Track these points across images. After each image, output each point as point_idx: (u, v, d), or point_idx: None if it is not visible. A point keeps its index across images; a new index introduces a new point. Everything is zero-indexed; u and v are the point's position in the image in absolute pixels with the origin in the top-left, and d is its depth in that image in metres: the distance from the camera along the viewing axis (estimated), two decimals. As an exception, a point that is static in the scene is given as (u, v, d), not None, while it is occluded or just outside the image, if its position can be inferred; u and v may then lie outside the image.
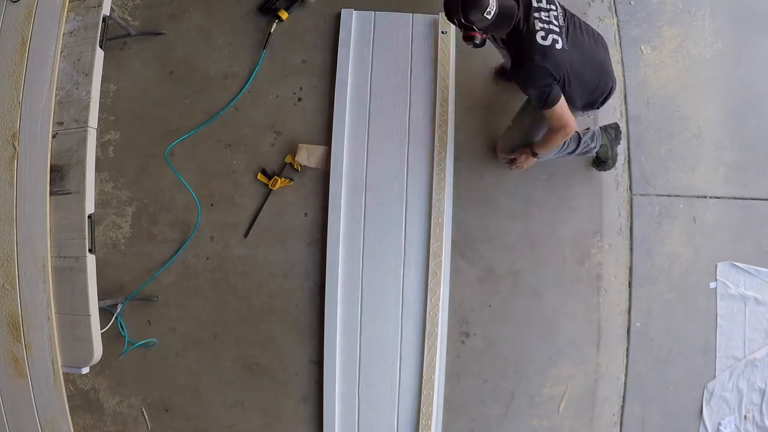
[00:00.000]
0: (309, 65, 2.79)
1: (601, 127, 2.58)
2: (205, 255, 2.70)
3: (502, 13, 1.99)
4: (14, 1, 2.22)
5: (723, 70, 2.80)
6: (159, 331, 2.68)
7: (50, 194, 2.10)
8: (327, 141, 2.71)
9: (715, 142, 2.76)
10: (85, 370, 2.12)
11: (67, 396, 2.10)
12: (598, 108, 2.33)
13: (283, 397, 2.65)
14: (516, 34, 2.08)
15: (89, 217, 2.12)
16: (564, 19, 2.11)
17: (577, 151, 2.49)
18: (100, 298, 2.15)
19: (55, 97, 2.15)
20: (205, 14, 2.84)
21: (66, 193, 2.12)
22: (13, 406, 2.12)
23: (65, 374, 2.09)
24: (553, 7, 2.10)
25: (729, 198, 2.73)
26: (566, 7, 2.21)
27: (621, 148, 2.66)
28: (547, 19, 2.06)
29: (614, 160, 2.63)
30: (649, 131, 2.75)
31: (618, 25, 2.82)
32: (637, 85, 2.78)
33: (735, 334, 2.66)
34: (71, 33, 2.22)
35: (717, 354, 2.65)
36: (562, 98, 2.11)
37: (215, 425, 2.66)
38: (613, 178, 2.72)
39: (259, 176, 2.71)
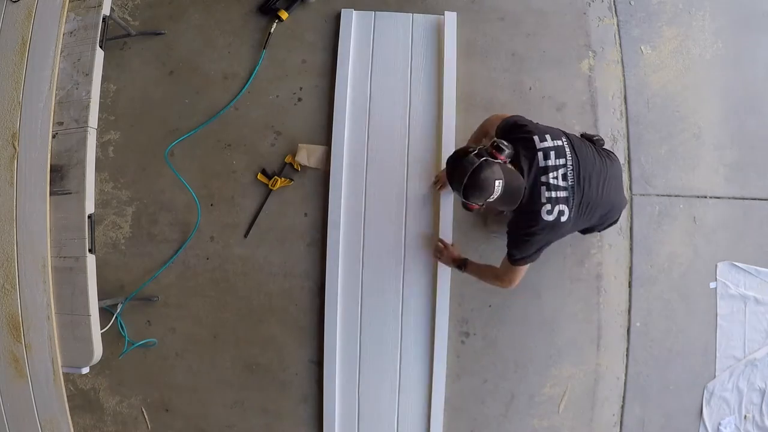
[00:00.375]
0: (309, 65, 2.79)
1: None
2: (205, 255, 2.70)
3: (507, 193, 1.87)
4: (14, 1, 2.22)
5: (723, 70, 2.80)
6: (159, 331, 2.68)
7: (50, 194, 2.11)
8: (327, 141, 2.71)
9: (715, 142, 2.76)
10: (85, 370, 2.13)
11: (67, 396, 2.11)
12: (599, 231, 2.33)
13: (283, 397, 2.65)
14: (519, 206, 1.97)
15: (89, 217, 2.12)
16: (573, 173, 1.93)
17: None
18: (100, 298, 2.16)
19: (55, 97, 2.15)
20: (205, 14, 2.84)
21: (66, 193, 2.12)
22: (13, 406, 2.12)
23: (65, 374, 2.09)
24: (562, 161, 1.93)
25: (729, 198, 2.73)
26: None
27: (620, 150, 2.66)
28: (555, 183, 1.91)
29: None
30: (649, 131, 2.76)
31: (618, 25, 2.82)
32: (637, 85, 2.78)
33: (735, 334, 2.66)
34: (71, 33, 2.22)
35: (717, 354, 2.65)
36: (530, 259, 2.06)
37: (215, 425, 2.66)
38: (613, 178, 2.72)
39: (259, 176, 2.71)
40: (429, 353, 2.59)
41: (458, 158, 1.86)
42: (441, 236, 2.58)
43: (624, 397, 2.65)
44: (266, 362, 2.66)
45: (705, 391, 2.65)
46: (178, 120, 2.76)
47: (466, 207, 2.08)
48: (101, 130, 2.71)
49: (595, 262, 2.67)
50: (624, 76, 2.78)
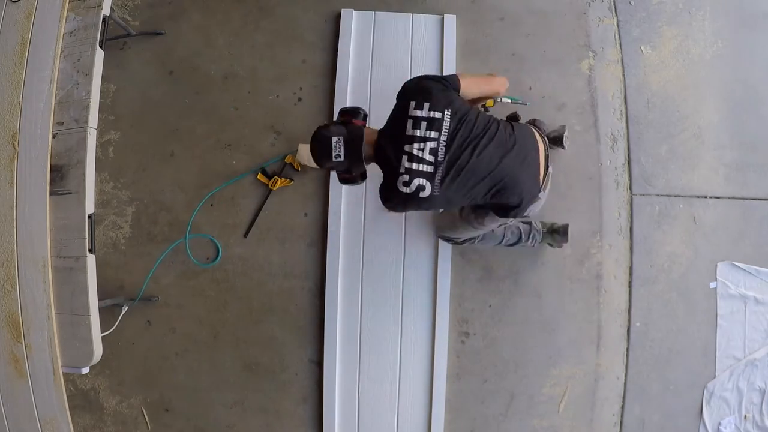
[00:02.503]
0: (309, 65, 2.79)
1: (546, 230, 2.52)
2: (205, 255, 2.70)
3: (350, 154, 1.80)
4: (14, 1, 2.22)
5: (723, 70, 2.80)
6: (159, 331, 2.68)
7: (50, 194, 2.10)
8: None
9: (715, 142, 2.76)
10: (85, 370, 2.12)
11: (67, 396, 2.10)
12: (517, 217, 2.01)
13: (283, 397, 2.66)
14: (383, 166, 1.85)
15: (89, 217, 2.12)
16: (444, 149, 1.77)
17: (516, 246, 2.52)
18: (100, 298, 2.15)
19: (55, 97, 2.15)
20: (205, 14, 2.84)
21: (66, 193, 2.12)
22: (13, 406, 2.12)
23: (65, 374, 2.09)
24: (434, 134, 1.76)
25: (729, 198, 2.73)
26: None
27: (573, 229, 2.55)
28: (419, 156, 1.76)
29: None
30: (649, 131, 2.76)
31: (618, 25, 2.82)
32: (637, 85, 2.78)
33: (735, 334, 2.66)
34: (71, 33, 2.22)
35: (717, 354, 2.65)
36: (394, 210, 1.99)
37: (215, 425, 2.66)
38: (613, 178, 2.72)
39: (259, 176, 2.71)
40: (429, 353, 2.59)
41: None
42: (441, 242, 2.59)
43: (624, 397, 2.65)
44: (266, 362, 2.66)
45: (705, 391, 2.65)
46: (178, 120, 2.77)
47: (340, 179, 1.93)
48: (101, 130, 2.71)
49: (595, 262, 2.67)
50: (624, 76, 2.79)
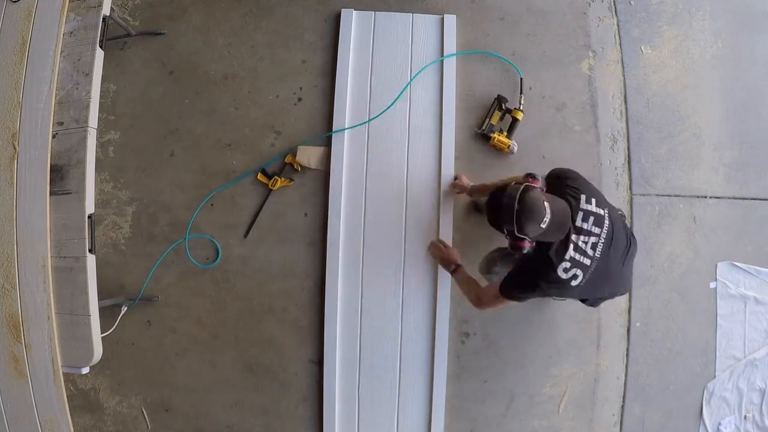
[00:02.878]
0: (309, 65, 2.79)
1: None
2: (205, 255, 2.70)
3: (555, 216, 1.75)
4: (14, 1, 2.22)
5: (723, 70, 2.81)
6: (159, 331, 2.68)
7: (50, 194, 2.10)
8: (327, 141, 2.71)
9: (715, 142, 2.76)
10: (85, 370, 2.13)
11: (67, 396, 2.11)
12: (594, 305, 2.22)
13: (283, 397, 2.65)
14: (541, 248, 1.84)
15: (89, 217, 2.12)
16: (602, 246, 1.86)
17: None
18: (100, 298, 2.15)
19: (55, 97, 2.15)
20: (205, 14, 2.84)
21: (66, 193, 2.12)
22: (13, 406, 2.12)
23: (65, 374, 2.09)
24: (597, 230, 1.85)
25: (729, 198, 2.73)
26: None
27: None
28: (583, 248, 1.83)
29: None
30: (649, 131, 2.76)
31: (618, 25, 2.83)
32: (637, 85, 2.78)
33: (735, 334, 2.66)
34: (71, 33, 2.22)
35: (717, 354, 2.66)
36: (516, 298, 2.01)
37: (215, 425, 2.66)
38: (613, 178, 2.72)
39: (259, 176, 2.71)
40: (429, 353, 2.59)
41: (498, 193, 1.77)
42: (441, 237, 2.58)
43: (624, 397, 2.65)
44: (266, 362, 2.66)
45: (705, 391, 2.65)
46: (178, 120, 2.77)
47: (514, 247, 1.80)
48: (101, 130, 2.71)
49: (595, 262, 2.67)
50: (624, 76, 2.79)
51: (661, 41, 2.83)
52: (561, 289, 1.88)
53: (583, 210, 1.84)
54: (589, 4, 2.83)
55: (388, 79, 2.73)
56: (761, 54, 2.82)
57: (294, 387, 2.65)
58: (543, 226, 1.71)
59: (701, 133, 2.76)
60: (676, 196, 2.73)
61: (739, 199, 2.73)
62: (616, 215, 1.99)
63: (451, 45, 2.72)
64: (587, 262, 1.84)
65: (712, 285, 2.68)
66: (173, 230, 2.71)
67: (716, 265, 2.69)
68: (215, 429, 2.66)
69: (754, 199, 2.73)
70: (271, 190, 2.71)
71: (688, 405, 2.66)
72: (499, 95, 2.68)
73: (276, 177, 2.69)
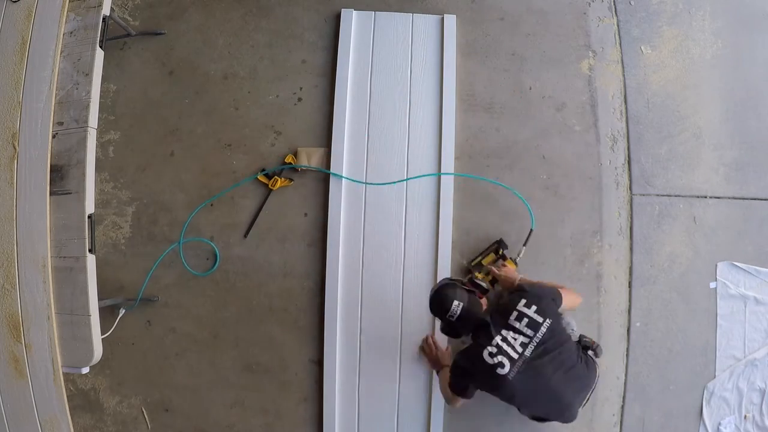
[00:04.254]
0: (309, 65, 2.79)
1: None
2: (205, 256, 2.70)
3: (464, 316, 2.05)
4: (14, 1, 2.22)
5: (723, 70, 2.80)
6: (159, 331, 2.68)
7: (50, 194, 2.11)
8: (327, 141, 2.71)
9: (715, 142, 2.76)
10: (85, 370, 2.13)
11: (67, 396, 2.11)
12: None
13: (283, 397, 2.65)
14: (477, 337, 2.10)
15: (89, 217, 2.12)
16: (532, 349, 2.03)
17: None
18: (100, 298, 2.15)
19: (55, 97, 2.15)
20: (205, 14, 2.84)
21: (66, 193, 2.12)
22: (13, 406, 2.12)
23: (65, 374, 2.09)
24: (530, 332, 2.04)
25: (729, 198, 2.73)
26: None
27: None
28: (512, 342, 2.04)
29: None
30: (649, 131, 2.76)
31: (618, 25, 2.82)
32: (637, 85, 2.78)
33: (735, 334, 2.66)
34: (71, 33, 2.22)
35: (717, 354, 2.65)
36: (460, 390, 2.17)
37: (215, 425, 2.66)
38: (613, 178, 2.72)
39: (260, 176, 2.71)
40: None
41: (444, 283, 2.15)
42: (441, 235, 2.58)
43: (624, 397, 2.64)
44: (266, 362, 2.66)
45: (705, 391, 2.65)
46: (178, 120, 2.77)
47: (442, 330, 2.21)
48: (101, 130, 2.71)
49: (595, 262, 2.67)
50: (624, 76, 2.79)
51: (661, 41, 2.83)
52: (491, 378, 2.03)
53: (518, 311, 2.07)
54: (589, 4, 2.83)
55: (388, 79, 2.73)
56: (761, 54, 2.81)
57: (294, 387, 2.65)
58: (452, 318, 2.04)
59: (701, 133, 2.76)
60: (676, 196, 2.73)
61: (739, 199, 2.73)
62: (563, 334, 2.14)
63: (451, 45, 2.72)
64: (514, 355, 2.02)
65: (712, 285, 2.68)
66: (173, 230, 2.71)
67: (716, 265, 2.69)
68: (215, 429, 2.66)
69: (754, 199, 2.73)
70: (271, 190, 2.71)
71: (688, 405, 2.66)
72: (501, 239, 2.57)
73: (276, 177, 2.69)
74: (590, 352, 2.25)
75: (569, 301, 2.24)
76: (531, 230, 2.58)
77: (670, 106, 2.77)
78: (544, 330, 2.05)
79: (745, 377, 2.66)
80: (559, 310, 2.16)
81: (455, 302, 2.04)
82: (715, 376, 2.65)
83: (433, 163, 2.66)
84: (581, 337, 2.29)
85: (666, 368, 2.65)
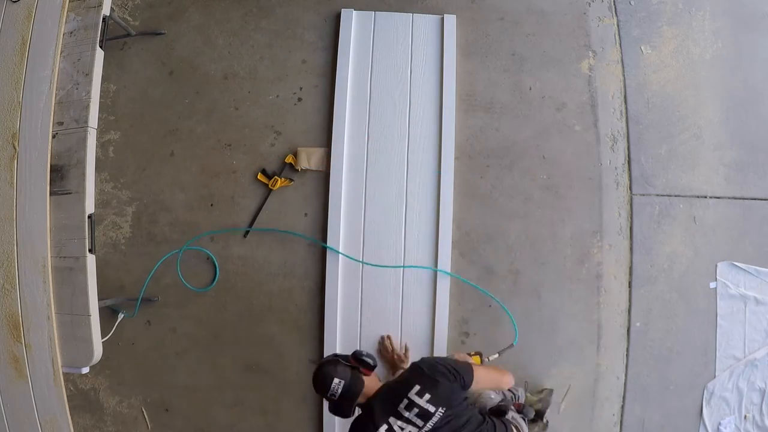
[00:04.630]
0: (309, 65, 2.79)
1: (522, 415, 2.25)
2: (205, 255, 2.70)
3: (346, 395, 1.88)
4: (14, 1, 2.22)
5: (723, 70, 2.80)
6: (159, 331, 2.68)
7: (50, 194, 2.11)
8: (327, 141, 2.71)
9: (715, 142, 2.76)
10: (85, 370, 2.13)
11: (67, 396, 2.11)
12: None
13: (283, 397, 2.65)
14: (365, 413, 1.92)
15: (89, 217, 2.12)
16: None
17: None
18: (100, 298, 2.15)
19: (55, 97, 2.15)
20: (205, 14, 2.84)
21: (66, 193, 2.12)
22: (13, 406, 2.12)
23: (65, 374, 2.09)
24: (419, 422, 1.84)
25: (729, 198, 2.73)
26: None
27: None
28: (398, 429, 1.86)
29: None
30: (649, 131, 2.76)
31: (618, 25, 2.82)
32: (637, 85, 2.78)
33: (735, 334, 2.66)
34: (71, 33, 2.22)
35: (717, 354, 2.65)
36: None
37: (215, 425, 2.66)
38: (613, 178, 2.72)
39: (259, 176, 2.71)
40: (429, 353, 2.58)
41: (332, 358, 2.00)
42: (441, 235, 2.59)
43: (624, 397, 2.65)
44: (266, 362, 2.66)
45: (705, 391, 2.65)
46: (178, 120, 2.77)
47: (330, 409, 2.01)
48: (101, 130, 2.71)
49: (595, 262, 2.67)
50: (624, 76, 2.79)
51: (661, 41, 2.82)
52: None
53: (408, 399, 1.87)
54: (589, 4, 2.83)
55: (388, 79, 2.73)
56: (761, 54, 2.81)
57: (294, 387, 2.65)
58: (333, 397, 1.88)
59: (701, 133, 2.76)
60: (676, 196, 2.73)
61: (739, 199, 2.73)
62: (461, 416, 1.92)
63: (451, 45, 2.72)
64: None
65: (712, 285, 2.68)
66: (173, 230, 2.71)
67: (716, 265, 2.69)
68: (215, 429, 2.66)
69: (754, 199, 2.73)
70: (271, 190, 2.71)
71: (688, 405, 2.66)
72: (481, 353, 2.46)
73: (276, 177, 2.69)
74: (512, 415, 2.09)
75: (490, 381, 2.09)
76: (512, 344, 2.51)
77: (670, 106, 2.77)
78: (436, 419, 1.86)
79: (745, 377, 2.66)
80: (471, 389, 1.97)
81: (335, 380, 1.87)
82: (715, 376, 2.65)
83: (433, 163, 2.66)
84: (500, 404, 2.13)
85: (666, 368, 2.65)
